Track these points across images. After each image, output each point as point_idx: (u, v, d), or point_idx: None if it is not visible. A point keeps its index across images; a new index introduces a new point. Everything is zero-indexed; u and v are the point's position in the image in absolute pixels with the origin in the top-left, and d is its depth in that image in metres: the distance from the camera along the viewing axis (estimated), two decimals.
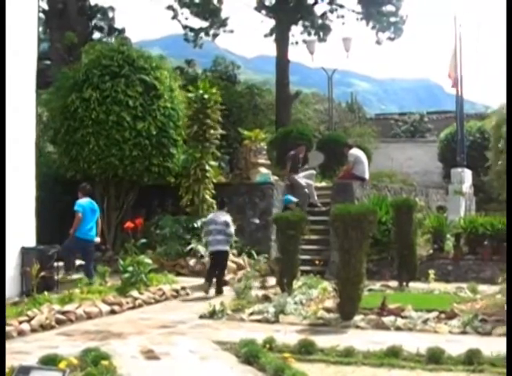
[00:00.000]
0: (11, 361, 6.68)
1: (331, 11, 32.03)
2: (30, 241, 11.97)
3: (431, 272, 13.43)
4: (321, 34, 32.36)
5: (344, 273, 9.77)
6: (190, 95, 17.09)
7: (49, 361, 6.73)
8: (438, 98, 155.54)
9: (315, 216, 16.89)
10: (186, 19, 31.86)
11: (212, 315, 10.50)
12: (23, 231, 11.72)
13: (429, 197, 22.69)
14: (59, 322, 9.94)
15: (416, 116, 38.41)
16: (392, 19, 31.57)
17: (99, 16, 31.76)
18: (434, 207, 21.60)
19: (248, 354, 7.43)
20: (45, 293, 10.82)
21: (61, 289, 11.70)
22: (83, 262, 13.25)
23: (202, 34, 32.69)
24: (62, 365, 6.39)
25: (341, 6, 31.90)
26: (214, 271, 13.50)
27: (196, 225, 16.16)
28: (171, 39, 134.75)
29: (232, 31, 33.32)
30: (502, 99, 12.37)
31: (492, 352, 7.37)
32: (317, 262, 15.40)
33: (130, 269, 12.35)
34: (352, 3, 31.91)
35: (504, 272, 12.15)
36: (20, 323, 9.40)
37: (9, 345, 7.99)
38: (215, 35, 32.93)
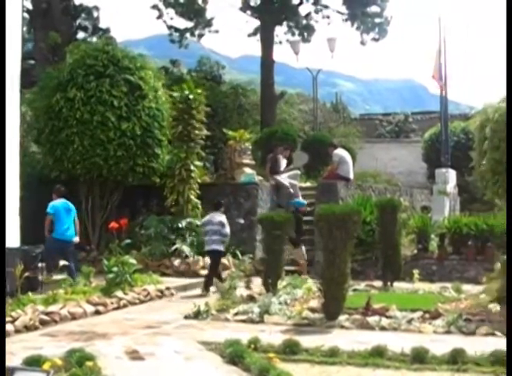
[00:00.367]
0: None
1: (316, 11, 32.11)
2: (14, 241, 11.88)
3: (416, 272, 13.44)
4: (305, 34, 32.38)
5: (329, 273, 9.77)
6: (175, 94, 17.09)
7: (33, 362, 6.69)
8: (423, 98, 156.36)
9: None
10: (171, 19, 31.87)
11: (197, 315, 10.48)
12: (6, 231, 11.62)
13: (413, 197, 22.79)
14: (44, 323, 9.88)
15: (400, 116, 38.61)
16: (377, 20, 31.63)
17: (83, 15, 31.52)
18: (419, 208, 21.70)
19: (233, 354, 7.42)
20: (29, 293, 10.74)
21: (45, 290, 11.64)
22: (67, 263, 13.19)
23: (187, 35, 32.64)
24: (46, 366, 6.36)
25: (326, 7, 31.99)
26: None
27: (180, 225, 16.17)
28: (156, 39, 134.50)
29: (217, 31, 33.33)
30: (486, 100, 12.41)
31: (476, 351, 7.40)
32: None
33: (115, 269, 12.33)
34: (337, 4, 32.18)
35: (488, 272, 12.26)
36: None
37: None
38: (200, 35, 32.90)
